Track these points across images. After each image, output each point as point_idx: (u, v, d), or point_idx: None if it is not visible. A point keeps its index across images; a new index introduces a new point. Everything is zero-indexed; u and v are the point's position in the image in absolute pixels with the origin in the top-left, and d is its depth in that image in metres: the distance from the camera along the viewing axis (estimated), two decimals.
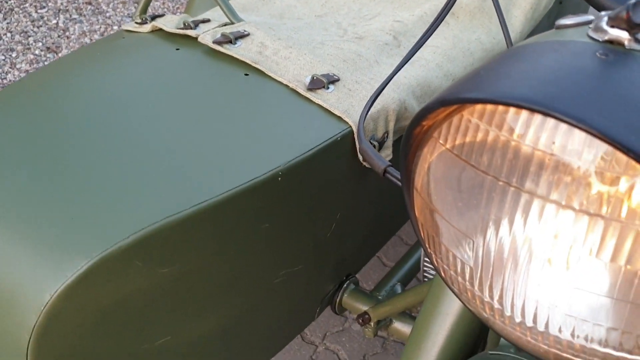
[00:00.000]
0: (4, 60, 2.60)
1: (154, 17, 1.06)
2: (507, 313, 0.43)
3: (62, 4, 3.12)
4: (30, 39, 2.78)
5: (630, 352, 0.39)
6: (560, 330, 0.41)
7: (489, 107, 0.38)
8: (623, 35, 0.39)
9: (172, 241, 0.72)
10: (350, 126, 0.88)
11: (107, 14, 3.05)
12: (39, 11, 3.03)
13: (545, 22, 1.36)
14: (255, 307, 0.89)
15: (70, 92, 0.88)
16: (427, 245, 0.47)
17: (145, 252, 0.70)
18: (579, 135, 0.35)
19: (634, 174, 0.35)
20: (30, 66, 2.56)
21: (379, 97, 0.88)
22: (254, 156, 0.80)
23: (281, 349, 1.03)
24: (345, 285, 1.11)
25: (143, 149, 0.78)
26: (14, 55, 2.65)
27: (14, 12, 3.01)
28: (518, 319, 0.42)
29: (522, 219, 0.39)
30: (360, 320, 1.10)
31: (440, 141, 0.42)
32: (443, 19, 0.82)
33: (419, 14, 1.17)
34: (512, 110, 0.37)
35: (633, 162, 0.34)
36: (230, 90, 0.90)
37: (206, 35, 0.97)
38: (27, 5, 3.08)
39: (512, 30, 1.22)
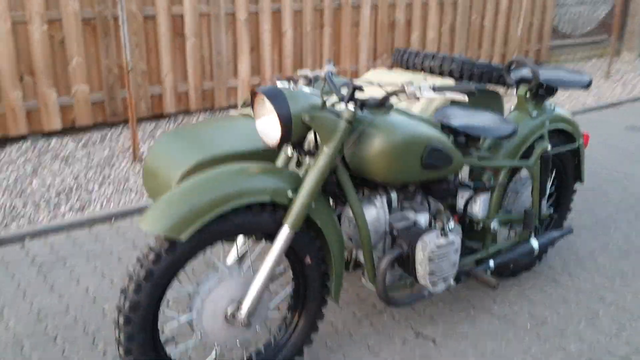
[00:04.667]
0: (82, 195, 3.97)
1: (240, 113, 2.73)
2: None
3: (90, 177, 4.62)
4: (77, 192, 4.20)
5: None
6: None
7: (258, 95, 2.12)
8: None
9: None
10: None
11: (131, 187, 4.55)
12: (93, 189, 4.49)
13: None
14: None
15: (220, 129, 2.48)
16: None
17: None
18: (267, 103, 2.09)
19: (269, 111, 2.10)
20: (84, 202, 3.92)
21: None
22: None
23: None
24: None
25: (244, 134, 2.36)
26: (88, 193, 4.02)
27: (73, 191, 4.46)
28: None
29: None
30: None
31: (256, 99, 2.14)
32: None
33: None
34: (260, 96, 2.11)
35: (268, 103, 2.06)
36: None
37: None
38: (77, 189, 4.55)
39: None
